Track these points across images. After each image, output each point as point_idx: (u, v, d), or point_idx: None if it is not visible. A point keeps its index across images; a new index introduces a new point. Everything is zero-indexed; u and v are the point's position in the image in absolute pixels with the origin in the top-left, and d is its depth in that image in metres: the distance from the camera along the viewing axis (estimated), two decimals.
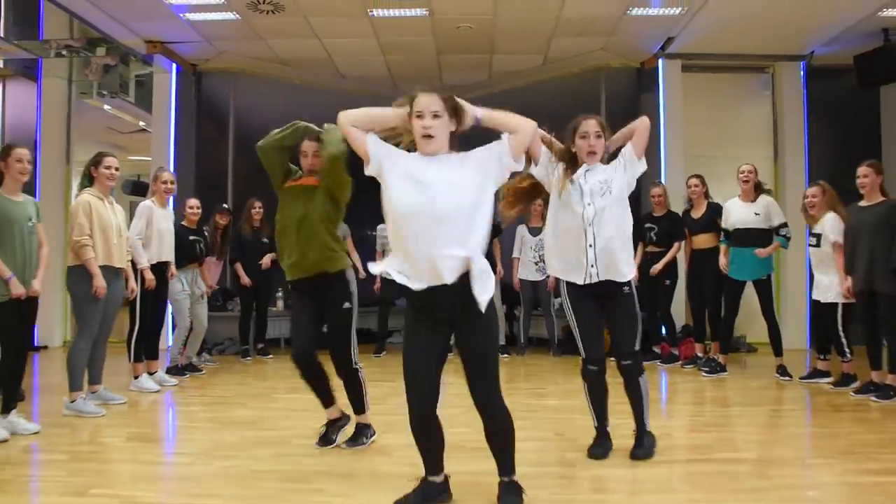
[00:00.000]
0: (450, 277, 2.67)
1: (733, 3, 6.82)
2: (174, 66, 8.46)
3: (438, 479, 2.99)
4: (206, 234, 6.86)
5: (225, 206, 7.24)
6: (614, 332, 3.73)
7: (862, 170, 5.26)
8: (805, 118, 8.39)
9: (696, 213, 6.69)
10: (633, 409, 3.71)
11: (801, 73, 8.41)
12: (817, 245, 5.65)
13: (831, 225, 5.51)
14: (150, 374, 5.74)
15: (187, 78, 8.71)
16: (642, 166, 3.68)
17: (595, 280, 3.54)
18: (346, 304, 3.85)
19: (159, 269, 5.70)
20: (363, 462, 3.66)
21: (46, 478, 3.50)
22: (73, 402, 4.71)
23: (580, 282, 3.57)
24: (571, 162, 3.60)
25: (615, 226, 3.51)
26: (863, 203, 5.31)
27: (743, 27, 7.42)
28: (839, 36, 7.60)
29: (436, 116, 2.72)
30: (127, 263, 5.14)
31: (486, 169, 2.77)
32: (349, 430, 3.97)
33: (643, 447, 3.67)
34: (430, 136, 2.72)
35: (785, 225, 6.13)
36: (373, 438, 3.96)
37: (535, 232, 7.49)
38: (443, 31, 7.64)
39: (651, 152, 8.36)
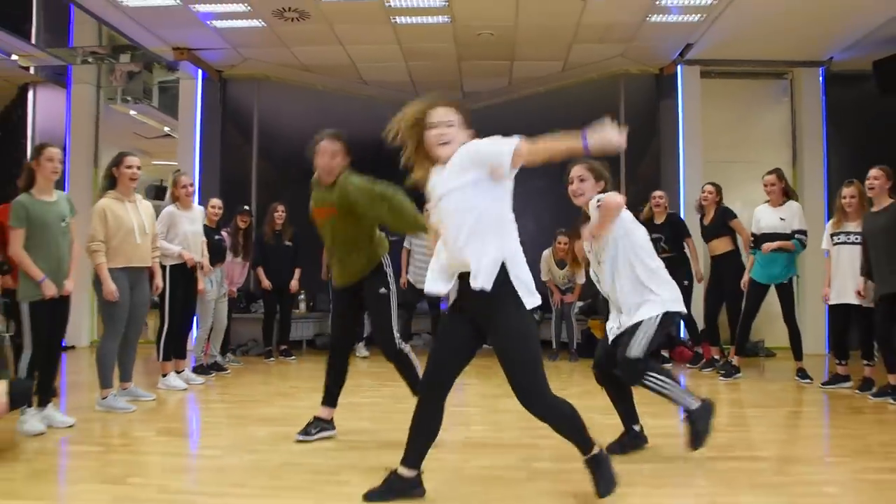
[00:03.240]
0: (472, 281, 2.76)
1: (752, 9, 6.84)
2: (200, 72, 8.62)
3: (410, 473, 2.99)
4: (228, 234, 7.01)
5: (246, 207, 7.33)
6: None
7: (873, 172, 5.24)
8: (824, 124, 8.38)
9: (707, 220, 6.74)
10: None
11: (821, 78, 8.40)
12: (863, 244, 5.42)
13: None
14: (178, 372, 5.87)
15: (213, 84, 8.85)
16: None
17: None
18: (383, 290, 3.99)
19: (187, 269, 5.80)
20: (387, 456, 3.73)
21: (82, 467, 3.62)
22: (104, 398, 4.85)
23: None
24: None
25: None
26: (874, 208, 5.29)
27: (762, 33, 7.44)
28: (858, 42, 7.60)
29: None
30: (154, 262, 5.25)
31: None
32: None
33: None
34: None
35: (803, 232, 6.10)
36: None
37: (561, 265, 7.61)
38: (464, 37, 7.74)
39: (669, 158, 8.51)
